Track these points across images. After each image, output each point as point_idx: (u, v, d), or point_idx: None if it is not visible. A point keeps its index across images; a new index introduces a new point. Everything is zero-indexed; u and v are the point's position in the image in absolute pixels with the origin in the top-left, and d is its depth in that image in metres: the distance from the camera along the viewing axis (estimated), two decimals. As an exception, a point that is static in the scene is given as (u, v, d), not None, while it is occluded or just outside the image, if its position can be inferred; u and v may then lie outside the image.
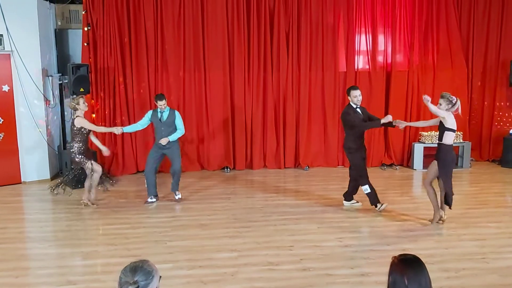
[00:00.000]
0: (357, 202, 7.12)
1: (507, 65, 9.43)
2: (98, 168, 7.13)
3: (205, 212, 6.95)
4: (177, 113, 7.27)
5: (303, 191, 8.04)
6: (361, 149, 6.80)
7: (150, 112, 7.30)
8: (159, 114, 7.17)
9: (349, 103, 6.77)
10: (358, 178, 6.84)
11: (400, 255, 2.52)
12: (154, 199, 7.35)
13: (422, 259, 2.46)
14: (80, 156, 7.00)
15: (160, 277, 2.41)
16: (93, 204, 7.20)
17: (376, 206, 6.81)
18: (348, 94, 6.80)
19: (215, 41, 9.00)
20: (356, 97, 6.68)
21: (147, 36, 8.83)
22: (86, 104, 7.10)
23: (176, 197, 7.43)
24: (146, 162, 7.37)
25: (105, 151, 7.26)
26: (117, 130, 7.22)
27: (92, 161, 7.10)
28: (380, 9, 9.34)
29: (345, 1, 9.24)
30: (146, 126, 7.46)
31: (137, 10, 8.76)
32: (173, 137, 7.16)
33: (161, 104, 7.09)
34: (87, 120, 7.06)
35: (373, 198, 6.80)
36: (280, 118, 9.37)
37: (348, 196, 7.13)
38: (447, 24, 9.42)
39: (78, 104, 6.94)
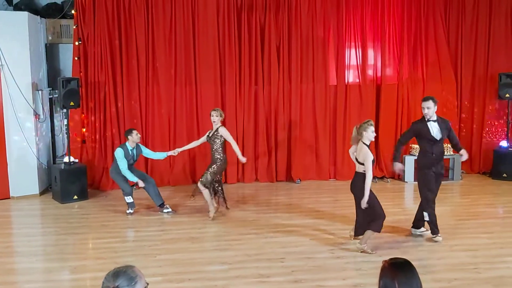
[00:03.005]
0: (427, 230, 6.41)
1: (495, 78, 9.53)
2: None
3: (195, 225, 6.88)
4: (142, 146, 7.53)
5: (295, 204, 8.00)
6: (423, 167, 6.21)
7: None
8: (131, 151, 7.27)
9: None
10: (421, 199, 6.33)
11: (391, 259, 2.50)
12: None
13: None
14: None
15: (148, 284, 2.37)
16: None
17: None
18: None
19: (206, 54, 9.04)
20: (423, 109, 6.17)
21: (138, 50, 8.84)
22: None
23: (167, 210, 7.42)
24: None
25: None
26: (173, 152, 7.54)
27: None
28: (370, 23, 9.44)
29: (335, 15, 9.34)
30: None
31: (128, 24, 8.79)
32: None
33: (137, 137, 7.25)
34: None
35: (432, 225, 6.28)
36: (271, 131, 9.37)
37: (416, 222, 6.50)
38: (435, 38, 9.54)
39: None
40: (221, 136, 7.05)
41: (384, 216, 5.72)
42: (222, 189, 7.27)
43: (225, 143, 7.18)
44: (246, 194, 8.77)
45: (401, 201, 8.61)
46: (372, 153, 5.69)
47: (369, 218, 5.73)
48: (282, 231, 6.58)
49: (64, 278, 5.24)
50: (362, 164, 5.65)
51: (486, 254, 5.74)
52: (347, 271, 5.30)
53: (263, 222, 6.98)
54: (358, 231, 5.92)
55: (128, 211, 7.32)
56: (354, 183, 5.81)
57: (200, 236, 6.44)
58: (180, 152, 7.63)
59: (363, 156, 5.63)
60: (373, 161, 5.65)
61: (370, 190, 5.66)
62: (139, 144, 7.44)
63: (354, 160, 5.84)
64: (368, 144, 5.66)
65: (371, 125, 5.67)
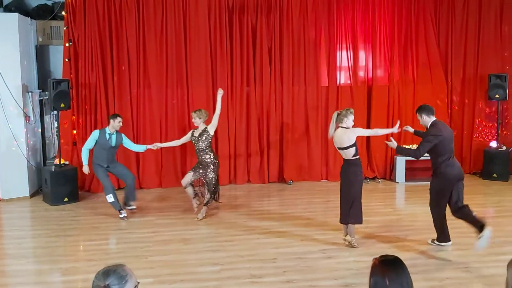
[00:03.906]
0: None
1: (485, 79, 9.61)
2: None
3: (187, 227, 6.86)
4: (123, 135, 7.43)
5: (287, 205, 8.01)
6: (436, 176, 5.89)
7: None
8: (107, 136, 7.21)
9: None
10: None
11: (381, 256, 2.51)
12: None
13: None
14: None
15: (138, 283, 2.36)
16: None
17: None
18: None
19: (198, 56, 9.03)
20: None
21: (129, 51, 8.82)
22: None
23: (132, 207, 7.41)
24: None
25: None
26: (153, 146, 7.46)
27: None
28: (361, 25, 9.49)
29: (326, 17, 9.37)
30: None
31: (119, 26, 8.77)
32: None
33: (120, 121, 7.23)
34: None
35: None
36: (263, 132, 9.38)
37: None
38: (425, 39, 9.61)
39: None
40: (209, 134, 7.00)
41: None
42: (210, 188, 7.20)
43: (212, 142, 7.16)
44: (238, 195, 8.76)
45: (392, 202, 8.64)
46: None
47: (351, 211, 5.83)
48: (274, 231, 6.58)
49: (55, 280, 5.20)
50: (347, 148, 5.75)
51: (477, 253, 5.76)
52: (339, 271, 5.31)
53: (255, 223, 6.97)
54: (342, 220, 6.01)
55: (121, 216, 7.18)
56: (344, 169, 5.94)
57: (192, 237, 6.42)
58: (160, 148, 7.73)
59: (347, 139, 5.73)
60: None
61: (359, 183, 5.80)
62: (122, 133, 7.39)
63: (340, 151, 5.92)
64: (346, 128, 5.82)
65: (352, 113, 5.84)
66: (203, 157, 7.05)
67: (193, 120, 7.18)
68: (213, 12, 9.03)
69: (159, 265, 5.48)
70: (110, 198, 7.14)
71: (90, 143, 7.18)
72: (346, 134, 5.77)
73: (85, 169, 7.20)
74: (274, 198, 8.58)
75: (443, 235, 5.96)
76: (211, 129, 7.04)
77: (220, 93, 7.06)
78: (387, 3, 9.48)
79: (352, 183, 5.85)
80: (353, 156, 5.80)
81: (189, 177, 7.14)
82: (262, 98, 9.30)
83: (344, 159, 5.90)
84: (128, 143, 7.48)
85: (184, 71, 9.04)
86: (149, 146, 7.51)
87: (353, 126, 5.87)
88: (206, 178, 7.04)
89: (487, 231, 5.43)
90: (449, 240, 5.98)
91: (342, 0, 9.36)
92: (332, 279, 5.09)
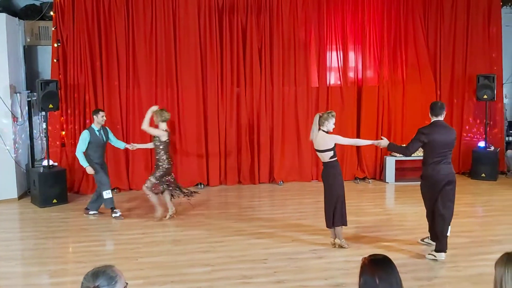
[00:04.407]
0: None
1: (473, 79, 9.69)
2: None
3: (178, 228, 6.84)
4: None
5: (278, 205, 8.02)
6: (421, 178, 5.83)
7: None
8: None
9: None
10: None
11: (370, 255, 2.52)
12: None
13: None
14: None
15: (127, 283, 2.34)
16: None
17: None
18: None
19: (188, 57, 9.00)
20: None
21: (118, 52, 8.77)
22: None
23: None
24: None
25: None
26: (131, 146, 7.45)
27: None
28: (350, 26, 9.52)
29: (316, 18, 9.40)
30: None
31: (108, 26, 8.72)
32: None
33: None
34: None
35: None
36: (254, 133, 9.37)
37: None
38: (414, 40, 9.67)
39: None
40: (157, 138, 6.99)
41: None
42: (176, 188, 7.19)
43: (168, 145, 7.10)
44: (228, 196, 8.75)
45: (382, 202, 8.68)
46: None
47: (334, 213, 5.84)
48: (264, 232, 6.57)
49: (43, 282, 5.16)
50: (323, 151, 5.78)
51: (466, 252, 5.82)
52: (329, 271, 5.32)
53: (246, 224, 6.96)
54: (327, 224, 6.00)
55: (116, 215, 7.15)
56: (323, 173, 5.95)
57: (182, 238, 6.39)
58: (137, 148, 7.67)
59: (324, 143, 5.76)
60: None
61: (339, 184, 5.81)
62: (106, 127, 7.37)
63: (317, 153, 5.94)
64: (326, 132, 5.82)
65: (334, 116, 5.83)
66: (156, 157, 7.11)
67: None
68: (202, 12, 9.01)
69: (149, 266, 5.45)
70: (108, 194, 7.15)
71: (83, 145, 7.10)
72: (324, 139, 5.77)
73: (90, 170, 7.12)
74: (265, 199, 8.58)
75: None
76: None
77: (151, 109, 7.14)
78: (377, 4, 9.54)
79: (331, 185, 5.84)
80: (330, 158, 5.80)
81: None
82: (252, 99, 9.30)
83: (323, 162, 5.91)
84: (111, 139, 7.47)
85: (174, 72, 9.00)
86: (127, 146, 7.50)
87: (334, 132, 5.89)
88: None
89: (441, 257, 5.51)
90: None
91: (332, 1, 9.40)
92: (322, 279, 5.10)
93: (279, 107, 9.38)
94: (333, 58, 9.54)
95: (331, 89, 9.53)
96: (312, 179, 9.59)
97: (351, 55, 9.59)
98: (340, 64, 9.55)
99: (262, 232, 6.59)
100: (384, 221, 7.00)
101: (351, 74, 9.64)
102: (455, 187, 5.62)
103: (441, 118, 5.67)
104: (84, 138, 7.12)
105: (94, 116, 7.22)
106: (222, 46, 9.10)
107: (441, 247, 5.57)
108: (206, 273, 5.26)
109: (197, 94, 9.10)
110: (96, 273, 2.23)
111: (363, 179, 9.60)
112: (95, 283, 2.20)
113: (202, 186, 9.19)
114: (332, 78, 9.60)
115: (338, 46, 9.52)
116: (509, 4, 10.33)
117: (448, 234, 5.58)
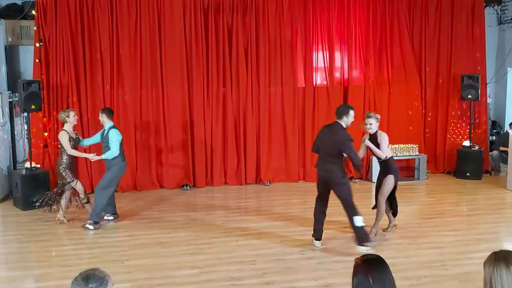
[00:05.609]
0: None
1: (458, 79, 9.78)
2: (81, 187, 7.00)
3: (164, 230, 6.75)
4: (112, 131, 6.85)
5: (265, 206, 7.97)
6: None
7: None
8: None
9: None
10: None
11: (363, 255, 2.50)
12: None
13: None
14: (67, 171, 6.80)
15: (113, 285, 2.31)
16: (68, 221, 6.97)
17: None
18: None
19: (173, 56, 8.91)
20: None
21: (102, 52, 8.64)
22: (76, 117, 7.01)
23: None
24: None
25: (92, 156, 6.90)
26: (92, 156, 6.90)
27: (77, 180, 6.99)
28: (336, 26, 9.54)
29: (302, 18, 9.38)
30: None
31: (91, 25, 8.59)
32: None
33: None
34: (67, 137, 6.76)
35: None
36: (240, 133, 9.32)
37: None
38: (400, 40, 9.72)
39: (68, 116, 6.79)
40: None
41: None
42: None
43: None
44: (215, 197, 8.69)
45: (369, 201, 8.67)
46: None
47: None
48: (252, 233, 6.53)
49: (28, 287, 5.04)
50: None
51: (453, 251, 5.86)
52: (318, 271, 5.30)
53: (233, 225, 6.91)
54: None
55: (107, 218, 7.06)
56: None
57: (169, 240, 6.31)
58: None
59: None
60: None
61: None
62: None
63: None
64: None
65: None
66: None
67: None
68: (188, 11, 8.93)
69: (136, 269, 5.37)
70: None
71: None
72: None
73: (92, 156, 6.90)
74: (252, 200, 8.53)
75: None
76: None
77: (91, 158, 6.92)
78: (362, 5, 9.57)
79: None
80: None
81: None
82: (239, 99, 9.24)
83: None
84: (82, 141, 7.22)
85: (159, 72, 8.90)
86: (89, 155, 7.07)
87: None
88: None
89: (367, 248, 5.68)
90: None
91: (318, 2, 9.40)
92: (311, 279, 5.07)
93: (266, 107, 9.34)
94: (319, 58, 9.54)
95: (318, 89, 9.53)
96: (299, 180, 9.57)
97: (337, 55, 9.61)
98: (326, 64, 9.55)
99: (250, 233, 6.55)
100: (372, 220, 6.98)
101: (337, 74, 9.65)
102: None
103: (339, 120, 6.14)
104: (117, 137, 6.81)
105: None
106: (208, 46, 9.03)
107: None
108: (194, 275, 5.20)
109: (183, 94, 9.02)
110: (87, 276, 2.22)
111: (350, 179, 9.58)
112: (87, 287, 2.18)
113: (188, 187, 9.10)
114: (319, 78, 9.60)
115: (324, 46, 9.52)
116: (492, 4, 10.48)
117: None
